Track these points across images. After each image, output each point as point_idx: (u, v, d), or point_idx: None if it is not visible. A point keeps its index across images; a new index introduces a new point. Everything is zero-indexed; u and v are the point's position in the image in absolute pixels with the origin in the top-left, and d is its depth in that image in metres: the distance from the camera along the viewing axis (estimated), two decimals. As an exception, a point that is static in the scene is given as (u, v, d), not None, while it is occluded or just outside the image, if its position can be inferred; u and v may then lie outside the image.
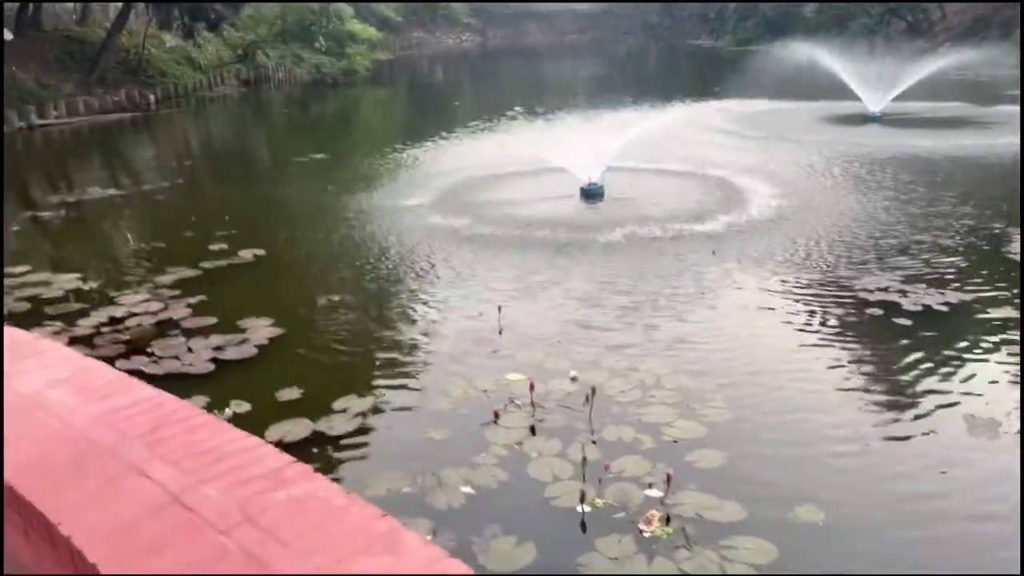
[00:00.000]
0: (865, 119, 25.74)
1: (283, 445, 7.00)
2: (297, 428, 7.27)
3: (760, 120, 25.59)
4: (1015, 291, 10.21)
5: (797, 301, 10.14)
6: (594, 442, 6.92)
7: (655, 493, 6.15)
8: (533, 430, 7.15)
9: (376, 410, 7.64)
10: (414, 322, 9.85)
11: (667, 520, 5.85)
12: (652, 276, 11.12)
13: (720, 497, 6.07)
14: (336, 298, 10.71)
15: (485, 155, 21.11)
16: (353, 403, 7.69)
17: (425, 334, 9.44)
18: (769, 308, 9.95)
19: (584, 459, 6.49)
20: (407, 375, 8.40)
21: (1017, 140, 20.43)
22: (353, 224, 14.62)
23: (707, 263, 11.57)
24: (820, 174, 17.79)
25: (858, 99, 27.38)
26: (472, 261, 12.09)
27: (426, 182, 17.98)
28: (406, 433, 7.18)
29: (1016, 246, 11.90)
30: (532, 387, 7.58)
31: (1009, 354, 8.58)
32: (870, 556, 5.54)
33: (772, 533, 5.67)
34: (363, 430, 7.28)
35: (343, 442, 7.08)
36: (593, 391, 7.33)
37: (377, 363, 8.71)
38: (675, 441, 6.89)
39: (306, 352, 9.19)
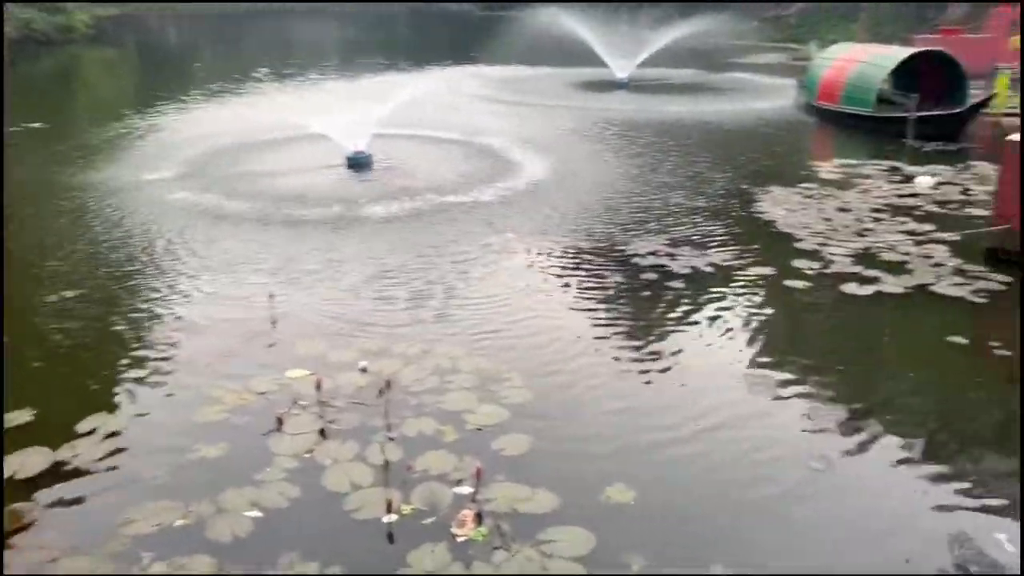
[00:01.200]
0: (614, 85, 26.91)
1: (14, 483, 5.76)
2: (33, 460, 6.00)
3: (519, 86, 25.89)
4: (768, 249, 10.90)
5: (578, 269, 10.13)
6: (392, 439, 6.35)
7: (465, 490, 5.73)
8: (324, 433, 6.44)
9: (132, 428, 6.52)
10: (170, 318, 8.62)
11: (480, 519, 5.45)
12: (432, 251, 10.63)
13: (531, 486, 5.77)
14: (71, 294, 9.16)
15: (235, 121, 19.44)
16: (103, 422, 6.51)
17: (184, 331, 8.28)
18: (553, 278, 9.85)
19: (386, 462, 5.93)
20: (167, 383, 7.27)
21: (748, 105, 22.31)
22: (85, 204, 12.73)
23: (486, 234, 11.29)
24: (582, 139, 18.21)
25: (606, 66, 28.55)
26: (232, 243, 10.91)
27: (170, 153, 16.16)
28: (172, 452, 6.16)
29: (764, 205, 12.79)
30: (319, 385, 6.84)
31: (773, 311, 9.09)
32: (684, 532, 5.51)
33: (587, 519, 5.46)
34: (118, 454, 6.15)
35: (94, 472, 5.92)
36: (388, 383, 6.75)
37: (128, 371, 7.46)
38: (479, 429, 6.51)
39: (39, 363, 7.71)
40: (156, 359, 7.69)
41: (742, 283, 9.71)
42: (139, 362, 7.62)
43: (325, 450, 6.20)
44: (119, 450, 6.20)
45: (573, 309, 9.02)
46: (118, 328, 8.38)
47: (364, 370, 7.37)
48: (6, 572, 4.99)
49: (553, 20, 34.04)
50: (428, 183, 13.94)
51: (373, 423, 6.55)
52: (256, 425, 6.52)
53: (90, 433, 6.36)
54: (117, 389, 7.13)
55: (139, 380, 7.28)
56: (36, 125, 19.35)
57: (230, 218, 11.93)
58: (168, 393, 7.09)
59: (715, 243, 11.08)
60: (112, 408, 6.77)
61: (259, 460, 6.04)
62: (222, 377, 7.25)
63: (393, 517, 5.46)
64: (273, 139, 17.21)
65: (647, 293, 9.42)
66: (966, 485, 5.89)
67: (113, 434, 6.38)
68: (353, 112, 16.54)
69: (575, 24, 32.18)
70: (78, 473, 5.91)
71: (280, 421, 6.50)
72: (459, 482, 5.80)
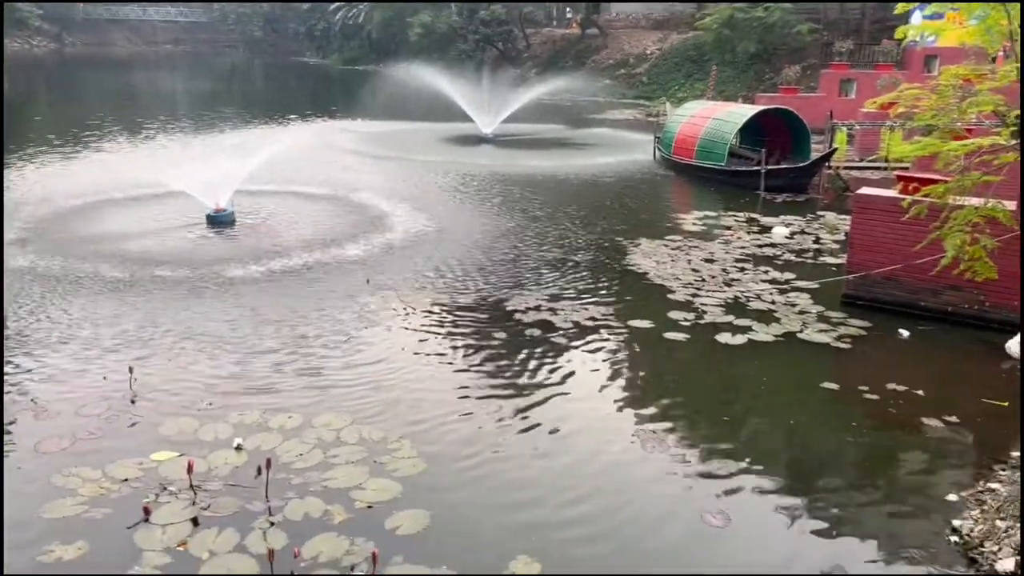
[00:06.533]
0: (480, 140, 27.19)
1: None
2: None
3: (385, 140, 25.68)
4: (644, 301, 11.10)
5: (462, 328, 9.93)
6: (275, 524, 5.87)
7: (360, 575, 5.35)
8: (197, 522, 5.88)
9: (-29, 530, 5.73)
10: (12, 398, 7.73)
11: (378, 607, 5.08)
12: (307, 313, 10.15)
13: (431, 565, 5.47)
14: None
15: (84, 178, 18.17)
16: (-67, 526, 5.69)
17: (29, 413, 7.42)
18: (435, 337, 9.59)
19: (270, 550, 5.43)
20: (12, 474, 6.45)
21: (610, 160, 23.03)
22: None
23: (363, 293, 10.93)
24: (451, 194, 18.17)
25: (471, 121, 28.86)
26: (85, 311, 10.03)
27: (11, 214, 14.83)
28: (18, 555, 5.42)
29: (635, 257, 13.08)
30: (190, 467, 6.27)
31: (655, 364, 9.21)
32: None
33: (494, 598, 5.21)
34: (-47, 563, 5.37)
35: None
36: (268, 462, 6.26)
37: (-36, 462, 6.62)
38: (370, 506, 6.12)
39: None
40: (-3, 447, 6.86)
41: (623, 337, 9.78)
42: (-24, 452, 6.77)
43: (201, 541, 5.65)
44: (-46, 558, 5.42)
45: (459, 369, 8.78)
46: (-50, 413, 7.44)
47: (239, 448, 6.84)
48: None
49: (416, 76, 34.28)
50: (297, 241, 13.45)
51: (253, 507, 6.05)
52: (119, 517, 5.88)
53: (-82, 540, 5.54)
54: (-50, 485, 6.27)
55: (-23, 473, 6.45)
56: None
57: (81, 285, 11.01)
58: (14, 486, 6.27)
59: (593, 297, 11.17)
60: (-56, 508, 5.94)
61: (125, 558, 5.44)
62: (77, 464, 6.53)
63: (282, 612, 5.00)
64: (127, 197, 16.22)
65: (532, 350, 9.32)
66: (852, 527, 6.05)
67: (-54, 539, 5.58)
68: (213, 168, 15.80)
69: (439, 80, 32.48)
70: (-97, 590, 5.11)
71: (147, 511, 5.90)
72: (353, 567, 5.41)
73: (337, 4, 69.11)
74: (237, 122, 29.99)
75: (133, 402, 7.66)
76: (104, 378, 8.13)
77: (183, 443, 6.89)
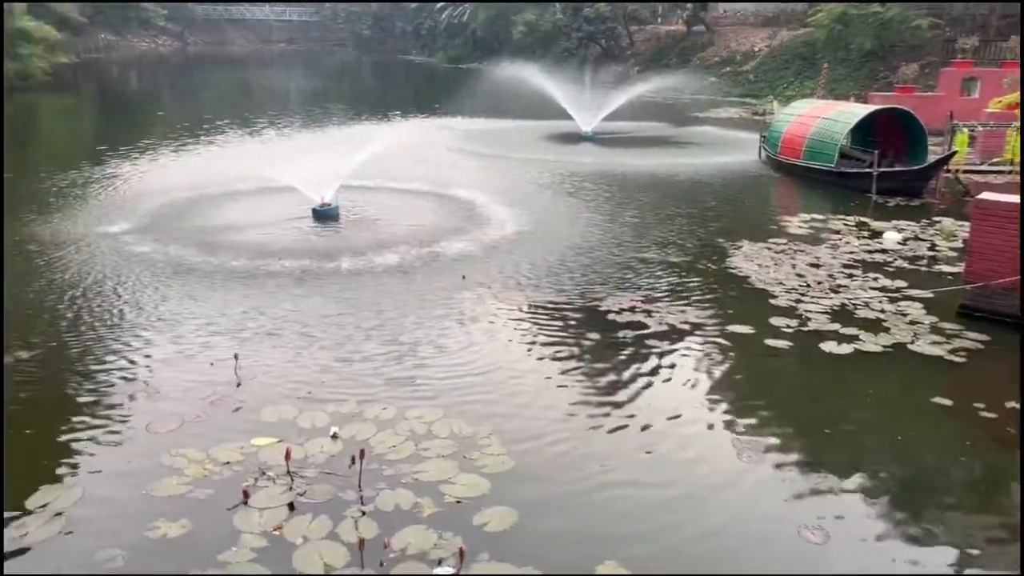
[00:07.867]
0: (580, 138, 27.08)
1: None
2: (-29, 542, 5.52)
3: (486, 138, 25.88)
4: (744, 306, 10.79)
5: (554, 328, 9.88)
6: (364, 513, 5.98)
7: (447, 571, 5.38)
8: (293, 507, 6.05)
9: (86, 503, 6.05)
10: (127, 379, 8.16)
11: (464, 602, 5.11)
12: (405, 307, 10.32)
13: (518, 564, 5.45)
14: (25, 355, 8.67)
15: (199, 171, 19.06)
16: (55, 496, 6.06)
17: (144, 395, 7.82)
18: (528, 336, 9.59)
19: (360, 540, 5.54)
20: (124, 453, 6.82)
21: (714, 160, 22.54)
22: (40, 257, 12.23)
23: (459, 289, 11.03)
24: (550, 192, 18.15)
25: (571, 119, 28.78)
26: (195, 299, 10.50)
27: (130, 204, 15.73)
28: (131, 531, 5.71)
29: (736, 260, 12.74)
30: (288, 453, 6.46)
31: (755, 372, 8.93)
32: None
33: (579, 602, 5.15)
34: (68, 533, 5.69)
35: (45, 554, 5.45)
36: (362, 453, 6.39)
37: (84, 439, 7.00)
38: (459, 501, 6.17)
39: (-18, 430, 7.21)
40: (114, 426, 7.23)
41: (722, 342, 9.52)
42: (96, 429, 7.15)
43: (295, 526, 5.81)
44: (69, 528, 5.74)
45: (552, 370, 8.72)
46: (74, 392, 7.90)
47: (335, 436, 7.01)
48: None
49: (517, 74, 34.45)
50: (398, 236, 13.70)
51: (346, 495, 6.19)
52: (220, 498, 6.12)
53: (41, 509, 5.90)
54: (71, 460, 6.66)
55: (95, 450, 6.83)
56: (-11, 173, 18.68)
57: (193, 273, 11.53)
58: (126, 464, 6.64)
59: (690, 299, 10.94)
60: (63, 480, 6.31)
61: (224, 538, 5.63)
62: (184, 445, 6.83)
63: (370, 602, 5.09)
64: (238, 190, 16.89)
65: (626, 352, 9.19)
66: (961, 552, 5.70)
67: (66, 510, 5.91)
68: (320, 163, 16.30)
69: (539, 78, 32.53)
70: (28, 555, 5.44)
71: (246, 494, 6.11)
72: (440, 562, 5.46)
73: (443, 3, 70.16)
74: (344, 118, 30.89)
75: (238, 387, 7.96)
76: (211, 364, 8.48)
77: (282, 429, 7.11)
